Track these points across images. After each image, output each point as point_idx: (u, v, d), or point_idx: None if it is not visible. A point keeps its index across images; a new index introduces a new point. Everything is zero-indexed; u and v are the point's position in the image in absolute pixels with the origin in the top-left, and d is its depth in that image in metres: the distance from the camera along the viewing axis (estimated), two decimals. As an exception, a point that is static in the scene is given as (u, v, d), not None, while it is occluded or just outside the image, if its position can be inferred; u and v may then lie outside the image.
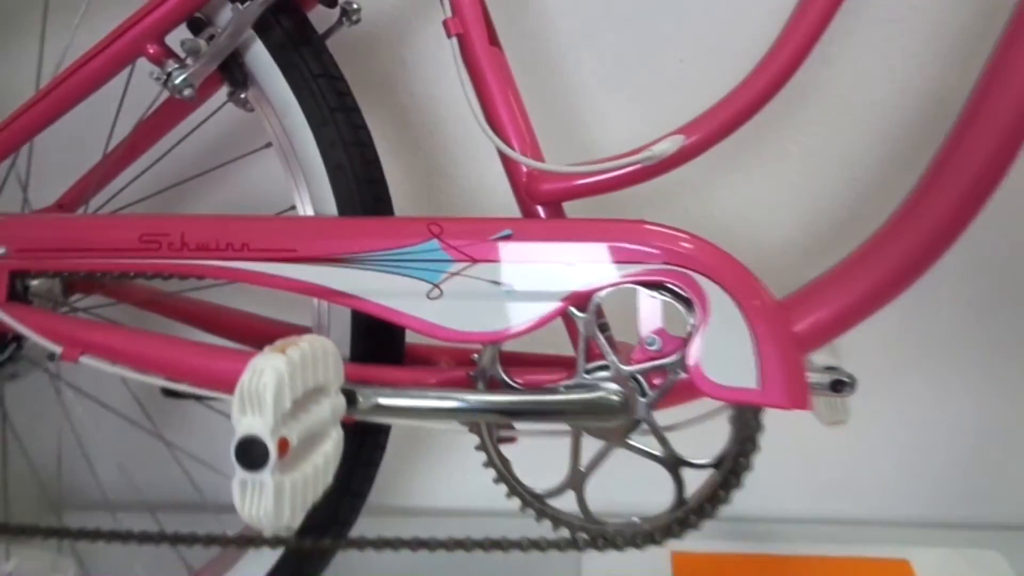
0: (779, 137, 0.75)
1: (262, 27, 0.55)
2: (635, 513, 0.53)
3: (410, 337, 0.55)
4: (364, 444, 0.58)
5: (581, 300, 0.50)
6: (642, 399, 0.51)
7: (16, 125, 0.57)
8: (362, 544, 0.58)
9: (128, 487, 0.71)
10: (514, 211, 0.55)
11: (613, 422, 0.51)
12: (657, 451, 0.52)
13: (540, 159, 0.55)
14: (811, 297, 0.51)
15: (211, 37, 0.54)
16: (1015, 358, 0.80)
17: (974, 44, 0.69)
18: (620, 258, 0.49)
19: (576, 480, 0.53)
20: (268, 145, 0.58)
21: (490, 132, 0.53)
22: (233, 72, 0.56)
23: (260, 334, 0.60)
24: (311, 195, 0.56)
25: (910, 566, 0.77)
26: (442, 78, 0.69)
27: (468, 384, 0.53)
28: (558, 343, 0.54)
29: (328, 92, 0.55)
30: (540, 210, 0.54)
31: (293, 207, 0.57)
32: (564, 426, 0.52)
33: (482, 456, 0.54)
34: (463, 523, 0.63)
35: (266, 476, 0.40)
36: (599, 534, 0.53)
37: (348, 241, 0.51)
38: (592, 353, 0.51)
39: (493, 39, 0.55)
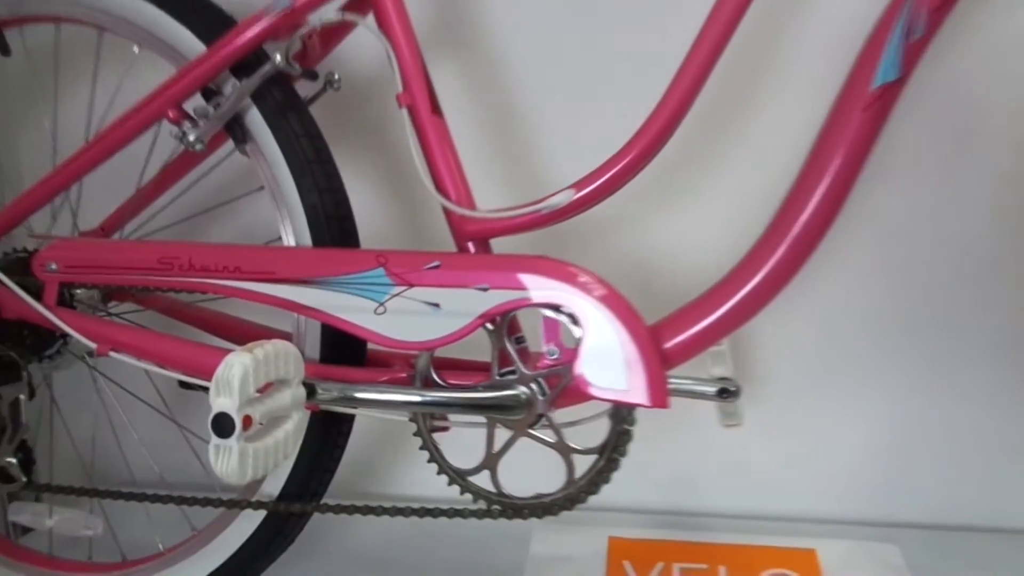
0: (711, 173, 0.87)
1: (258, 96, 0.70)
2: (536, 491, 0.66)
3: (374, 346, 0.69)
4: (330, 430, 0.72)
5: (494, 317, 0.63)
6: (542, 398, 0.64)
7: (70, 168, 0.73)
8: (328, 509, 0.72)
9: (148, 460, 0.87)
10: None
11: (519, 416, 0.64)
12: (552, 440, 0.65)
13: (471, 206, 0.68)
14: (678, 320, 0.63)
15: (218, 104, 0.69)
16: (920, 373, 0.91)
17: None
18: (524, 286, 0.62)
19: (490, 462, 0.66)
20: (261, 188, 0.73)
21: (430, 184, 0.67)
22: (235, 130, 0.71)
23: (253, 336, 0.74)
24: (293, 229, 0.71)
25: (816, 555, 0.88)
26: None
27: (408, 383, 0.67)
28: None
29: (307, 148, 0.70)
30: (470, 245, 0.68)
31: (279, 238, 0.72)
32: (482, 418, 0.66)
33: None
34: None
35: (232, 443, 0.55)
36: (508, 505, 0.66)
37: (315, 267, 0.66)
38: (507, 360, 0.65)
39: (436, 109, 0.68)
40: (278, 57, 0.67)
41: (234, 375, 0.54)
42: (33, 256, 0.73)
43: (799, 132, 0.62)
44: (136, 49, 0.75)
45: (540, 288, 0.62)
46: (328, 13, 0.69)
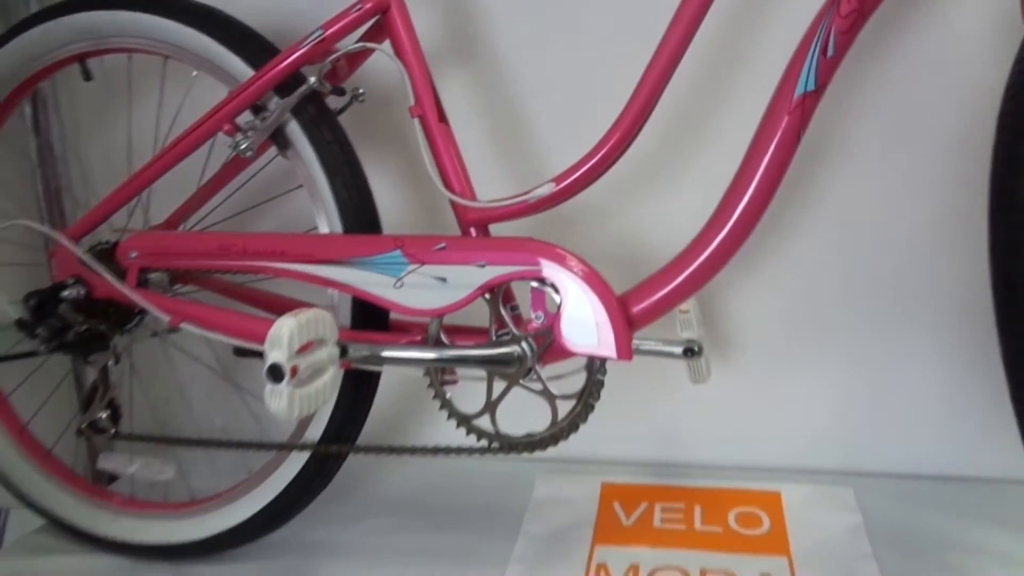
0: (683, 163, 1.00)
1: (296, 110, 0.84)
2: (527, 431, 0.81)
3: (395, 315, 0.84)
4: (360, 385, 0.87)
5: (491, 289, 0.77)
6: (531, 354, 0.78)
7: (146, 173, 0.89)
8: (360, 450, 0.87)
9: (210, 415, 1.03)
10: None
11: (512, 369, 0.78)
12: (540, 389, 0.79)
13: (472, 198, 0.82)
14: (642, 289, 0.77)
15: (264, 118, 0.84)
16: (877, 339, 1.03)
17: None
18: (513, 261, 0.76)
19: (490, 408, 0.80)
20: (299, 186, 0.88)
21: (438, 181, 0.82)
22: (278, 139, 0.86)
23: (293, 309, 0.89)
24: (327, 219, 0.86)
25: (781, 496, 1.01)
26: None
27: (422, 344, 0.81)
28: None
29: (338, 152, 0.85)
30: (472, 230, 0.82)
31: (315, 227, 0.87)
32: (482, 372, 0.80)
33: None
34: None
35: (283, 388, 0.70)
36: (505, 443, 0.80)
37: (345, 250, 0.80)
38: (502, 324, 0.79)
39: (442, 118, 0.83)
40: (313, 79, 0.82)
41: (284, 333, 0.69)
42: (117, 246, 0.89)
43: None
44: (194, 73, 0.90)
45: (528, 264, 0.76)
46: (352, 42, 0.84)
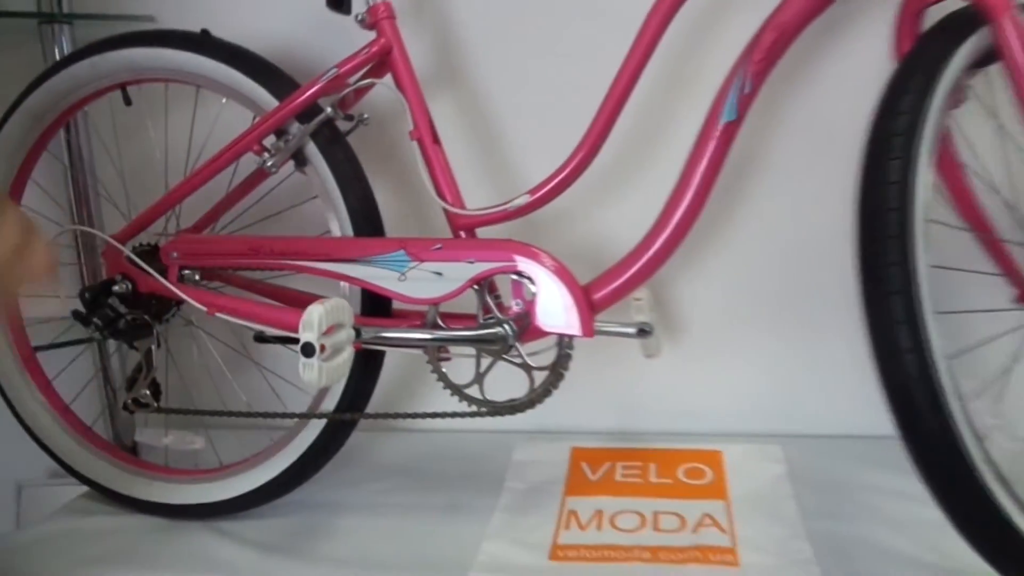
0: (642, 173, 1.18)
1: (314, 134, 1.01)
2: (509, 397, 0.98)
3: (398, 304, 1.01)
4: (368, 363, 1.04)
5: (478, 281, 0.95)
6: (511, 334, 0.95)
7: (185, 186, 1.04)
8: (366, 416, 1.04)
9: (237, 392, 1.19)
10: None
11: (496, 347, 0.96)
12: (519, 362, 0.96)
13: (462, 207, 1.00)
14: (601, 280, 0.95)
15: (287, 140, 1.01)
16: (802, 322, 1.22)
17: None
18: (495, 258, 0.94)
19: (478, 379, 0.98)
20: (315, 197, 1.04)
21: (433, 192, 0.99)
22: (298, 158, 1.02)
23: (308, 301, 1.06)
24: (339, 225, 1.02)
25: (721, 454, 1.20)
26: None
27: (422, 327, 0.98)
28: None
29: (348, 168, 1.02)
30: (462, 233, 1.00)
31: (329, 231, 1.04)
32: (471, 349, 0.97)
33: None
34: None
35: (314, 361, 0.86)
36: (491, 408, 0.98)
37: (356, 250, 0.97)
38: (488, 310, 0.96)
39: (436, 140, 1.00)
40: (328, 109, 0.99)
41: (315, 318, 0.86)
42: (158, 248, 1.05)
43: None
44: (224, 100, 1.06)
45: (508, 261, 0.93)
46: (360, 77, 1.01)
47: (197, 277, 1.08)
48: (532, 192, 0.96)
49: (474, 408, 0.99)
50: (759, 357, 1.25)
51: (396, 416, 1.02)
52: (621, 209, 1.20)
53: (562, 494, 1.12)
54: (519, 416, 0.99)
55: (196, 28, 1.06)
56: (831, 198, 1.15)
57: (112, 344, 1.24)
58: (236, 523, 1.10)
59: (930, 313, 0.73)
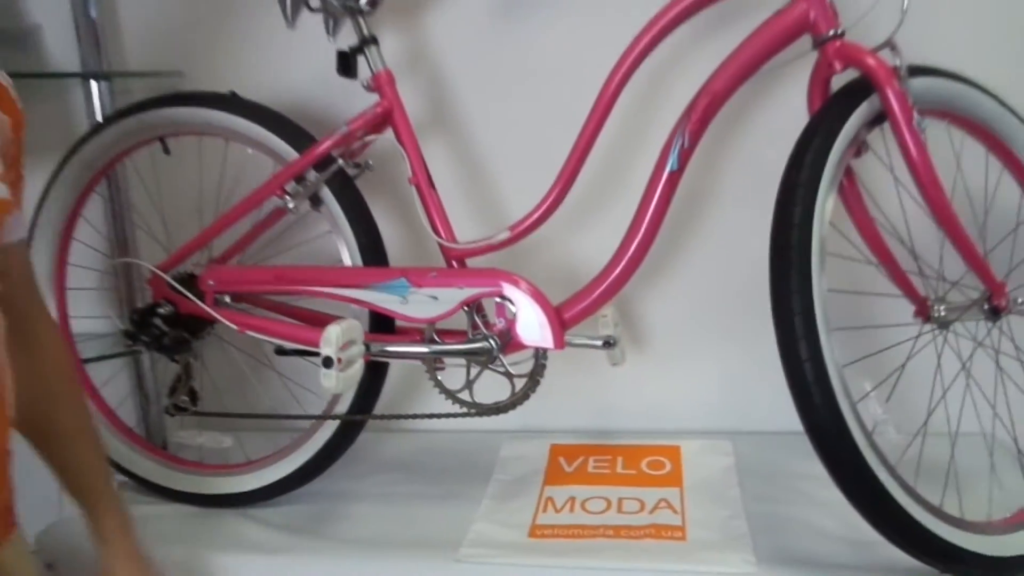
0: (604, 211, 1.37)
1: (327, 180, 1.20)
2: (494, 400, 1.17)
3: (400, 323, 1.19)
4: (375, 373, 1.23)
5: (468, 303, 1.13)
6: (496, 347, 1.14)
7: (216, 226, 1.23)
8: (374, 417, 1.22)
9: (262, 397, 1.38)
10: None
11: (483, 358, 1.14)
12: (502, 370, 1.15)
13: (453, 241, 1.18)
14: (571, 301, 1.14)
15: (304, 186, 1.19)
16: (756, 331, 1.40)
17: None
18: (482, 284, 1.12)
19: (469, 385, 1.16)
20: (328, 231, 1.23)
21: (429, 229, 1.17)
22: (314, 200, 1.21)
23: (323, 321, 1.24)
24: (349, 256, 1.21)
25: (680, 448, 1.38)
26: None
27: (420, 342, 1.17)
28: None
29: (356, 208, 1.20)
30: (454, 263, 1.18)
31: (340, 261, 1.22)
32: (462, 360, 1.16)
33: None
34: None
35: (332, 372, 1.05)
36: (479, 409, 1.16)
37: (364, 278, 1.16)
38: (476, 327, 1.15)
39: (431, 184, 1.18)
40: (340, 160, 1.18)
41: (333, 336, 1.05)
42: (195, 276, 1.24)
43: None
44: (249, 151, 1.25)
45: (493, 286, 1.12)
46: (365, 133, 1.19)
47: (228, 300, 1.26)
48: (511, 228, 1.15)
49: (465, 410, 1.17)
50: (714, 363, 1.43)
51: (398, 417, 1.21)
52: (591, 238, 1.38)
53: (541, 484, 1.30)
54: (506, 417, 1.18)
55: (221, 81, 1.25)
56: (767, 226, 1.35)
57: (147, 359, 1.43)
58: (261, 510, 1.28)
59: (824, 330, 0.92)
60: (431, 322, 1.15)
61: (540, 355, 1.14)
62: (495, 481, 1.32)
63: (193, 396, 1.27)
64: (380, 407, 1.26)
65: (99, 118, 1.37)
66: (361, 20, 1.17)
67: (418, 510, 1.25)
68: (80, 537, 0.95)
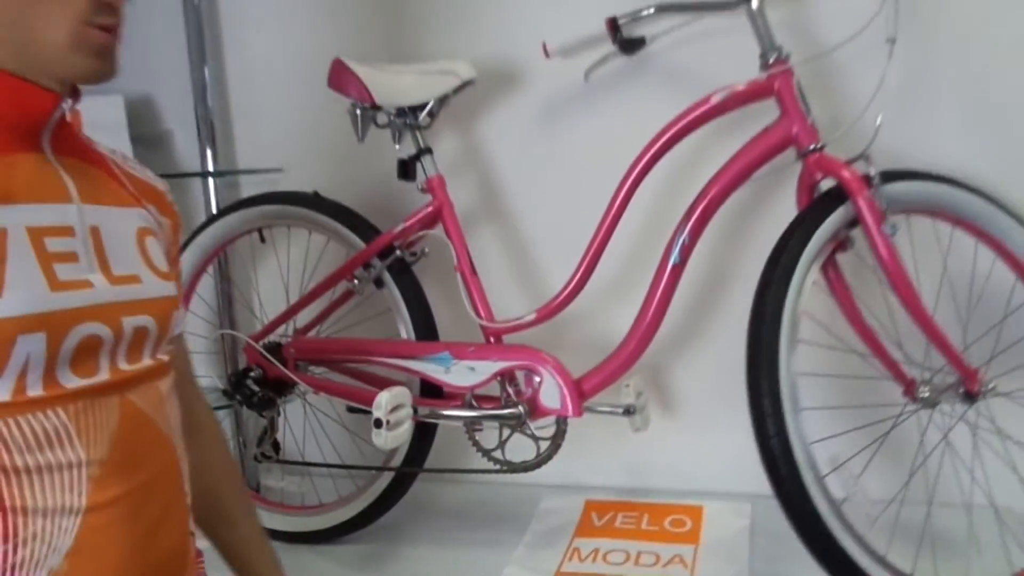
0: (624, 293, 1.53)
1: (388, 267, 1.42)
2: (522, 459, 1.34)
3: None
4: (426, 431, 1.43)
5: (501, 374, 1.32)
6: (523, 413, 1.32)
7: (300, 304, 1.48)
8: (424, 471, 1.42)
9: (333, 451, 1.60)
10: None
11: (513, 422, 1.32)
12: (529, 433, 1.33)
13: (492, 320, 1.38)
14: (590, 374, 1.31)
15: (370, 271, 1.42)
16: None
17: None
18: (512, 359, 1.31)
19: (501, 444, 1.35)
20: (388, 309, 1.45)
21: (471, 311, 1.38)
22: (377, 282, 1.44)
23: (384, 383, 1.46)
24: (406, 331, 1.43)
25: (703, 509, 1.51)
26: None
27: (462, 407, 1.36)
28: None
29: (412, 290, 1.42)
30: (491, 339, 1.38)
31: (398, 334, 1.44)
32: (496, 424, 1.34)
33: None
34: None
35: (382, 431, 1.25)
36: (509, 466, 1.34)
37: (417, 351, 1.37)
38: (508, 395, 1.33)
39: (474, 271, 1.39)
40: (399, 251, 1.40)
41: (383, 401, 1.26)
42: (281, 346, 1.48)
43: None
44: (327, 240, 1.50)
45: (522, 360, 1.31)
46: (420, 228, 1.42)
47: (308, 365, 1.50)
48: (538, 311, 1.34)
49: (497, 467, 1.36)
50: (737, 429, 1.52)
51: (442, 471, 1.40)
52: (624, 314, 1.55)
53: (572, 535, 1.46)
54: (548, 473, 1.35)
55: (311, 177, 1.52)
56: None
57: (244, 413, 1.69)
58: (331, 547, 1.49)
59: (791, 409, 1.05)
60: (470, 390, 1.34)
61: (561, 421, 1.32)
62: (532, 531, 1.49)
63: (276, 446, 1.51)
64: (439, 460, 1.45)
65: (213, 211, 1.66)
66: (418, 134, 1.40)
67: (461, 553, 1.43)
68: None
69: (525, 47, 1.51)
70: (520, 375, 1.34)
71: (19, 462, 0.68)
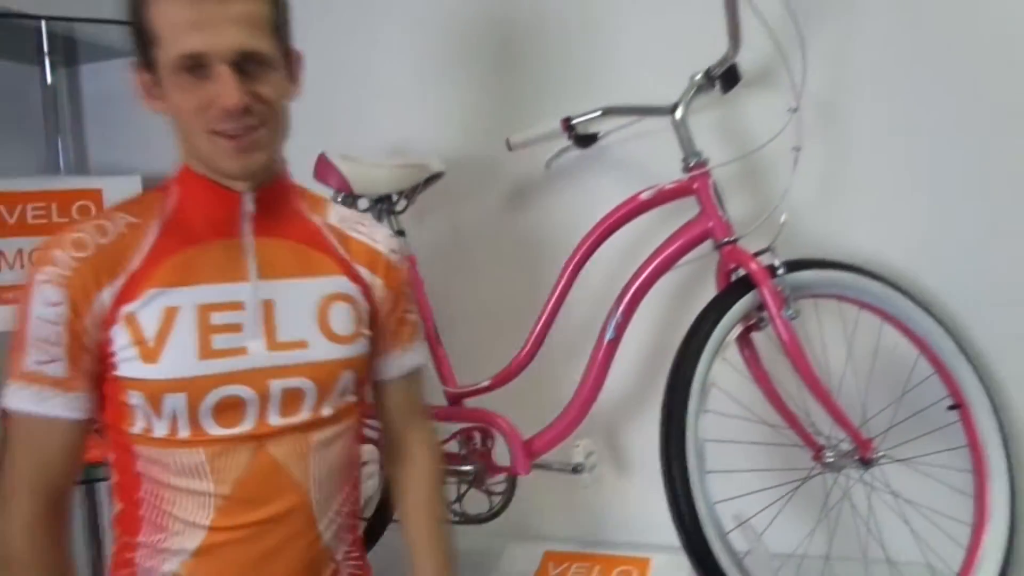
0: (565, 364, 1.69)
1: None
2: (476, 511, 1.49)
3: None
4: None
5: (461, 435, 1.48)
6: (479, 470, 1.47)
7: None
8: (393, 522, 1.58)
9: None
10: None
11: (470, 478, 1.48)
12: (483, 488, 1.48)
13: (455, 387, 1.54)
14: (538, 436, 1.46)
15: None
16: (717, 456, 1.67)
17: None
18: (469, 420, 1.47)
19: (459, 498, 1.50)
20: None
21: (436, 377, 1.55)
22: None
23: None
24: (379, 393, 1.60)
25: (649, 561, 1.64)
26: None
27: (425, 462, 1.52)
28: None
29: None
30: (453, 402, 1.54)
31: (374, 396, 1.61)
32: (455, 479, 1.50)
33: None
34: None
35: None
36: (466, 518, 1.50)
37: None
38: (466, 453, 1.49)
39: (438, 339, 1.56)
40: (373, 322, 1.58)
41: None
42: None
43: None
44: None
45: (478, 422, 1.47)
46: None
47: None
48: (493, 378, 1.50)
49: (456, 519, 1.51)
50: None
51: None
52: (574, 379, 1.71)
53: (529, 584, 1.61)
54: (511, 523, 1.50)
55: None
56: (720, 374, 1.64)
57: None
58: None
59: (697, 471, 1.20)
60: (434, 447, 1.50)
61: (511, 478, 1.47)
62: (492, 577, 1.64)
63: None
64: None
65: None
66: (393, 218, 1.59)
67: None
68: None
69: (494, 141, 1.70)
70: (477, 435, 1.50)
71: (172, 481, 0.93)
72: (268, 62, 0.91)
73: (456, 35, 1.77)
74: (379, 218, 1.61)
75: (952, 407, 1.38)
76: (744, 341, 1.37)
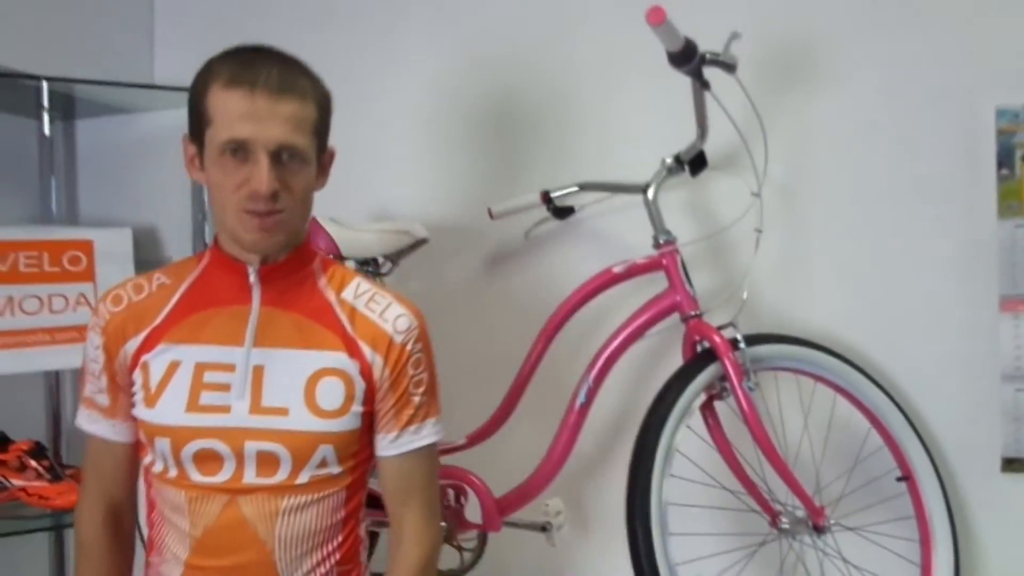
0: (538, 426, 1.76)
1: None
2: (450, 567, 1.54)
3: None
4: (373, 538, 1.63)
5: (434, 491, 1.54)
6: (452, 527, 1.52)
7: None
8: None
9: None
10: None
11: (444, 534, 1.53)
12: (455, 544, 1.53)
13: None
14: (508, 496, 1.52)
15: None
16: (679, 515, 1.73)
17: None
18: (445, 478, 1.53)
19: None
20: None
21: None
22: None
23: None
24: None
25: (613, 620, 1.69)
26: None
27: (400, 518, 1.57)
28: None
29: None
30: (429, 459, 1.60)
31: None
32: (428, 534, 1.55)
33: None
34: None
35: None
36: (438, 573, 1.54)
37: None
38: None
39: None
40: (354, 379, 1.64)
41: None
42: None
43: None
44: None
45: (450, 479, 1.52)
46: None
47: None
48: (468, 437, 1.57)
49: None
50: None
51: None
52: (530, 445, 1.78)
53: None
54: None
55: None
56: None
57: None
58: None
59: (660, 533, 1.27)
60: (407, 504, 1.55)
61: (483, 535, 1.52)
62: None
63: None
64: (382, 565, 1.65)
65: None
66: (380, 280, 1.66)
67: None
68: None
69: (476, 209, 1.79)
70: (451, 492, 1.55)
71: (167, 513, 1.05)
72: (303, 157, 1.01)
73: (443, 110, 1.88)
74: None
75: (900, 479, 1.46)
76: (707, 410, 1.45)
